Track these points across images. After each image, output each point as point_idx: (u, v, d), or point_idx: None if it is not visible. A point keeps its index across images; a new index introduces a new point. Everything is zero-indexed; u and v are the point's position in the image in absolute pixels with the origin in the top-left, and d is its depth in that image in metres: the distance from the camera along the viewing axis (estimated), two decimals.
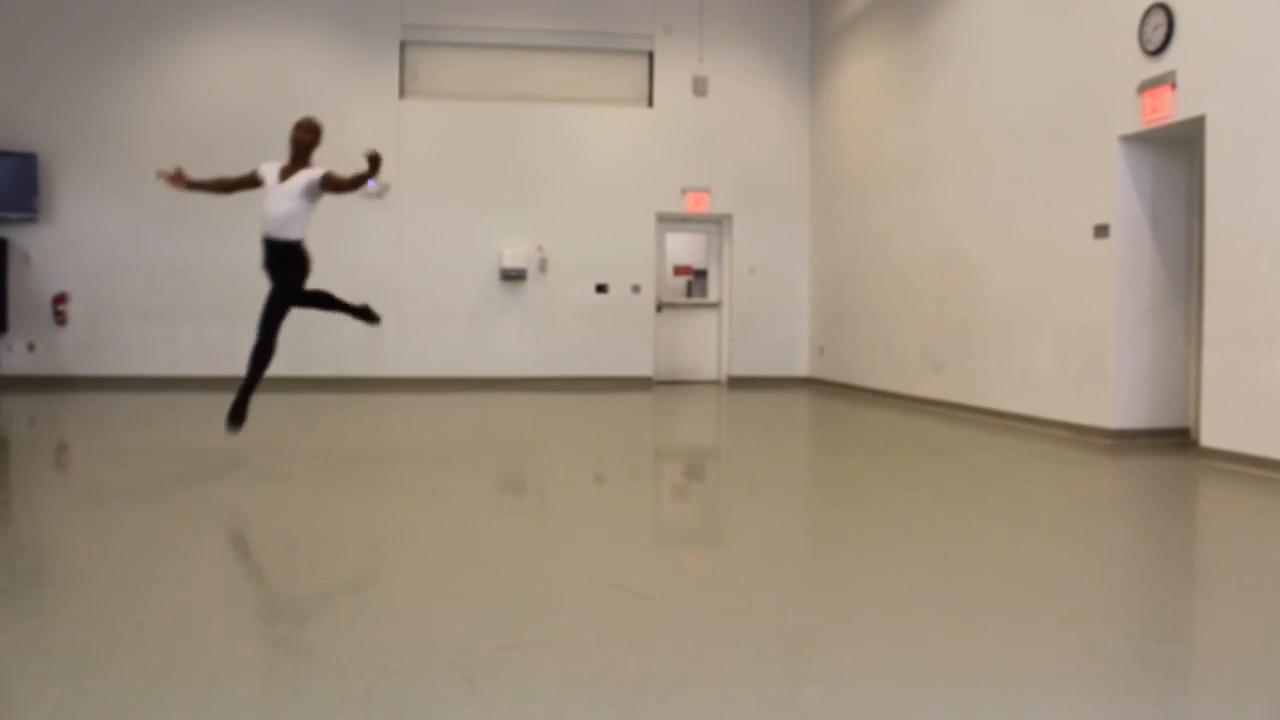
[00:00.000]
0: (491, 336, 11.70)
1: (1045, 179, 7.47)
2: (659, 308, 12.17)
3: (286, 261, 5.58)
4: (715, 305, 12.48)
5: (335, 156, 11.41)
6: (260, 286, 11.69)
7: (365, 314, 6.10)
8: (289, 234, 5.57)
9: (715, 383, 12.39)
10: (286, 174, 5.65)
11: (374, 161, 5.40)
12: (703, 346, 12.47)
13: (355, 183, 5.62)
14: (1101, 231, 6.83)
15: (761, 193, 12.24)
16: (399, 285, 11.35)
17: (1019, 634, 2.70)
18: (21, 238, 10.80)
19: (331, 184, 5.59)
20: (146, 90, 11.08)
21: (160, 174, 5.80)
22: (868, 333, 10.67)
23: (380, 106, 11.39)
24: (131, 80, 11.05)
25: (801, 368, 12.40)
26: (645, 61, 12.03)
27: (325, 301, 5.90)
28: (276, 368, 11.79)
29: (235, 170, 11.42)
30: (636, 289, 11.92)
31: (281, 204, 5.54)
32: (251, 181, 5.73)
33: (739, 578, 3.37)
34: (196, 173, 11.14)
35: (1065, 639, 2.68)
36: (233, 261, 11.14)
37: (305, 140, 5.71)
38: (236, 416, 5.56)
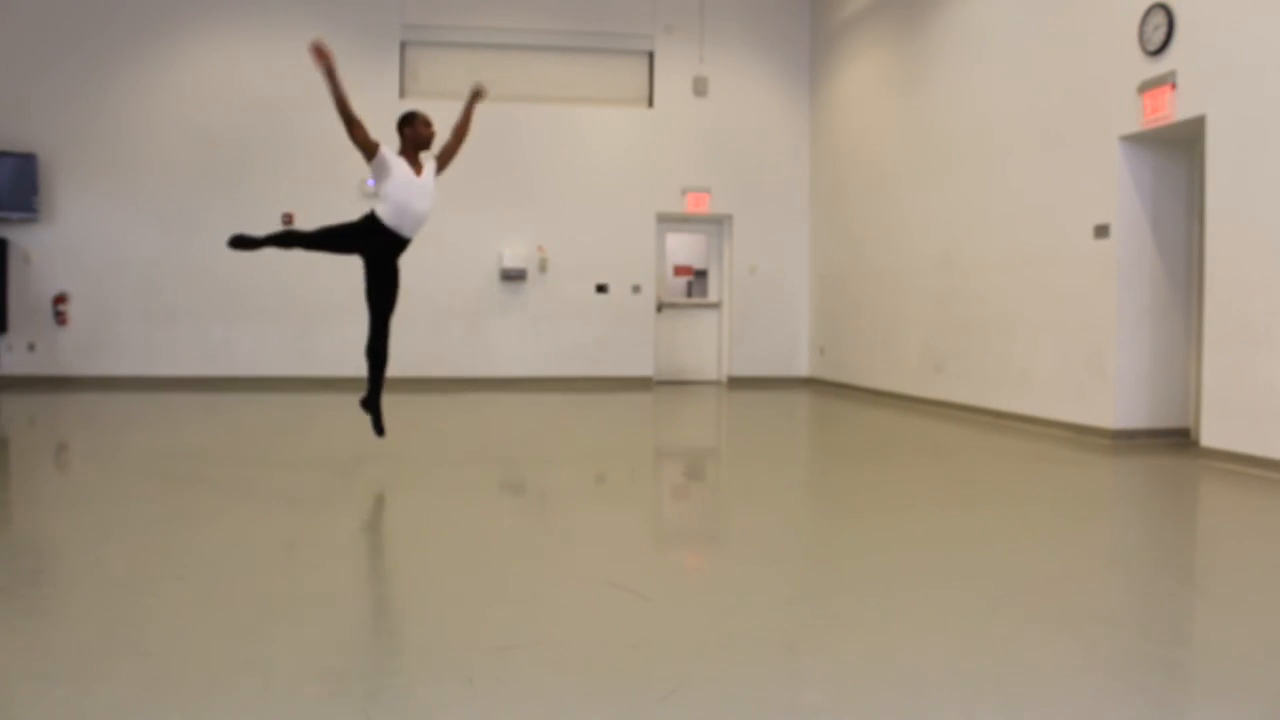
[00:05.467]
0: (492, 337, 11.70)
1: (1045, 179, 7.47)
2: (659, 308, 12.17)
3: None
4: (715, 305, 12.48)
5: (334, 156, 11.46)
6: (259, 284, 11.67)
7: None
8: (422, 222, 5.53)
9: (715, 383, 12.39)
10: (416, 168, 5.41)
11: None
12: (703, 346, 12.47)
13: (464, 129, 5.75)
14: (1101, 232, 6.83)
15: (761, 193, 12.23)
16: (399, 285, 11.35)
17: (1019, 634, 2.70)
18: (21, 238, 10.80)
19: (443, 163, 5.65)
20: (146, 90, 11.08)
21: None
22: (868, 333, 10.67)
23: (380, 106, 11.33)
24: (131, 80, 11.05)
25: (802, 368, 12.40)
26: (645, 61, 12.03)
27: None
28: (278, 367, 11.81)
29: (230, 168, 11.44)
30: (637, 289, 11.92)
31: (426, 201, 5.41)
32: (368, 146, 5.36)
33: (739, 578, 3.36)
34: (196, 172, 11.19)
35: (1065, 639, 2.68)
36: (234, 261, 11.14)
37: (430, 136, 5.47)
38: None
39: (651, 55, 11.99)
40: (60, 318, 10.89)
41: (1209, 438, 5.97)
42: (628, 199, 11.88)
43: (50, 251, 10.88)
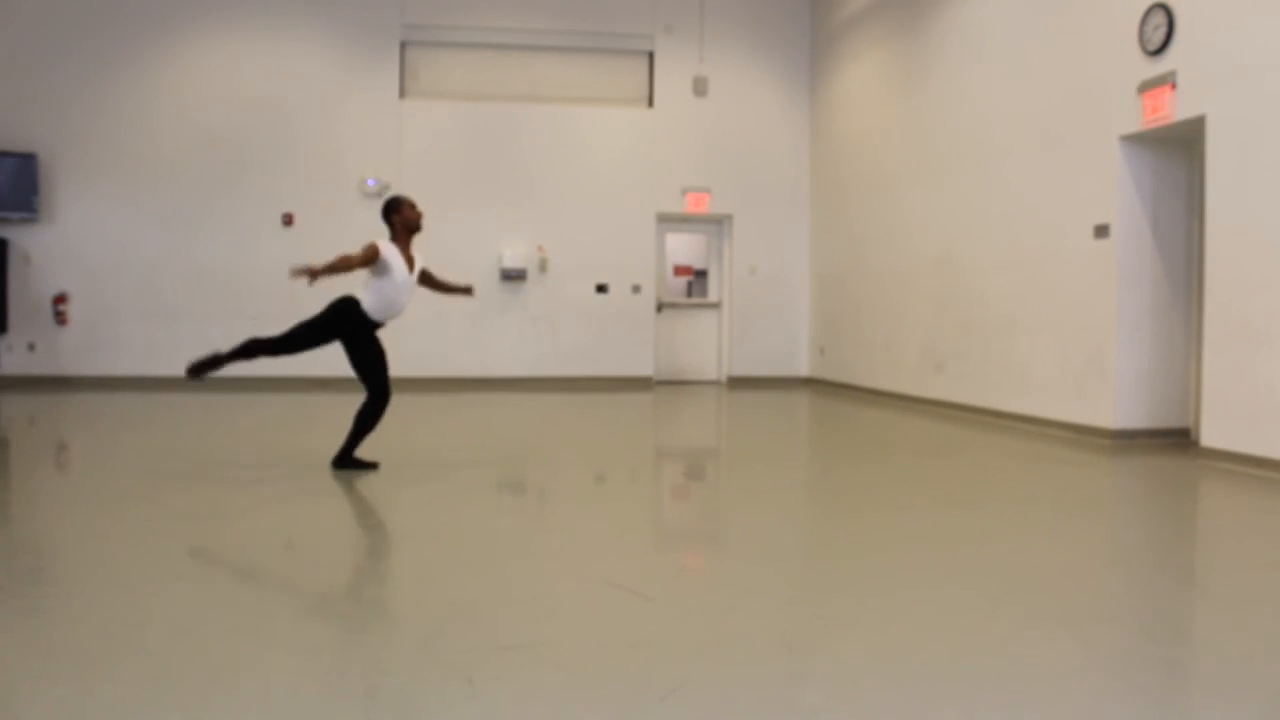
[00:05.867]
0: (491, 337, 11.70)
1: (1045, 179, 7.47)
2: (659, 308, 12.17)
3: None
4: (715, 305, 12.48)
5: (334, 156, 11.50)
6: (259, 284, 11.69)
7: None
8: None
9: (715, 383, 12.39)
10: (409, 261, 5.35)
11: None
12: (703, 346, 12.47)
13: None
14: (1101, 232, 6.83)
15: (761, 193, 12.23)
16: None
17: (1019, 634, 2.70)
18: (21, 238, 10.80)
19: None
20: (146, 90, 11.08)
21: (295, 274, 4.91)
22: (868, 333, 10.67)
23: (380, 106, 11.39)
24: (131, 80, 11.05)
25: (802, 368, 12.40)
26: (645, 61, 12.03)
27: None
28: (278, 367, 11.83)
29: (230, 168, 11.40)
30: (637, 289, 11.92)
31: (411, 296, 5.45)
32: (370, 258, 5.14)
33: (739, 578, 3.36)
34: (196, 173, 11.18)
35: (1065, 639, 2.68)
36: (233, 261, 11.15)
37: (418, 221, 5.37)
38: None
39: (651, 55, 11.99)
40: (60, 318, 10.89)
41: (1209, 438, 5.97)
42: (628, 199, 11.89)
43: (50, 251, 10.88)
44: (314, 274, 4.84)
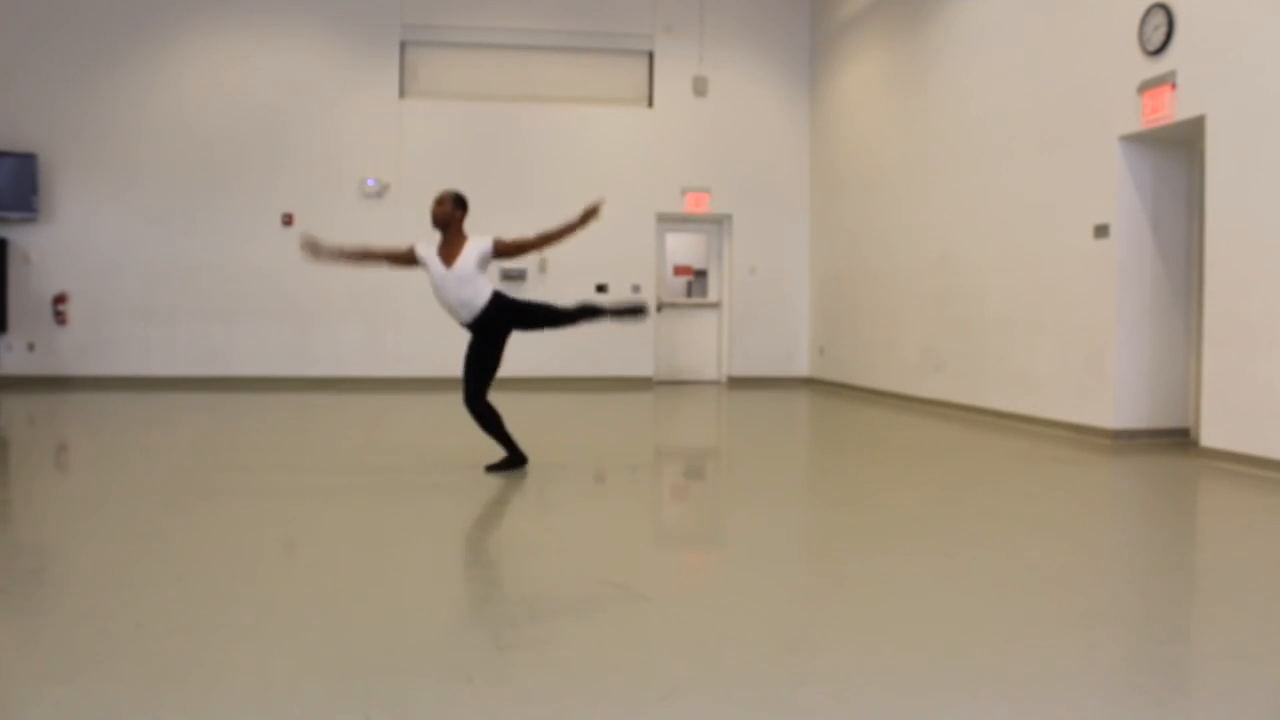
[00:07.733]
0: None
1: (1045, 179, 7.47)
2: (659, 308, 12.16)
3: (489, 323, 5.41)
4: (715, 305, 12.48)
5: (333, 156, 11.49)
6: (259, 284, 11.68)
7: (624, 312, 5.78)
8: (479, 306, 5.35)
9: (715, 383, 12.39)
10: (449, 255, 5.32)
11: (589, 214, 5.57)
12: (703, 346, 12.47)
13: (543, 242, 5.71)
14: (1101, 232, 6.83)
15: (761, 193, 12.24)
16: (399, 285, 11.36)
17: (1019, 634, 2.70)
18: (21, 238, 10.81)
19: (507, 250, 5.50)
20: (146, 90, 11.08)
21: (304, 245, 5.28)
22: (868, 333, 10.67)
23: (380, 106, 11.39)
24: (131, 80, 11.05)
25: (802, 368, 12.40)
26: (645, 61, 12.03)
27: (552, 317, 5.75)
28: (277, 367, 11.80)
29: (230, 169, 11.41)
30: (636, 289, 11.92)
31: (460, 290, 5.29)
32: (408, 259, 5.39)
33: (739, 578, 3.36)
34: (196, 173, 11.17)
35: (1065, 639, 2.68)
36: (233, 261, 11.16)
37: (442, 214, 5.36)
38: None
39: (651, 55, 11.99)
40: (60, 318, 10.89)
41: (1209, 438, 5.97)
42: (628, 199, 11.88)
43: (50, 251, 10.88)
44: (325, 253, 5.24)
